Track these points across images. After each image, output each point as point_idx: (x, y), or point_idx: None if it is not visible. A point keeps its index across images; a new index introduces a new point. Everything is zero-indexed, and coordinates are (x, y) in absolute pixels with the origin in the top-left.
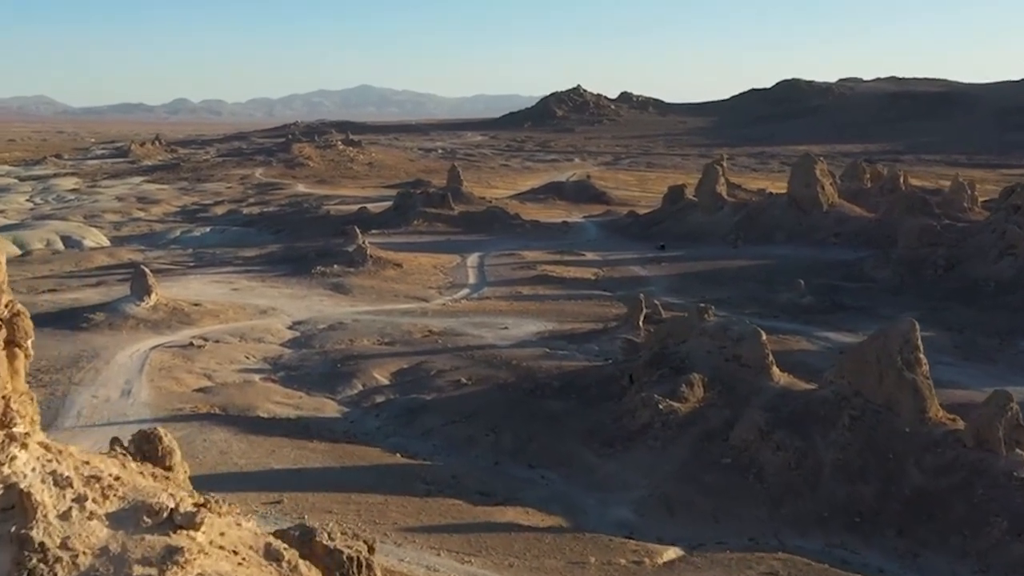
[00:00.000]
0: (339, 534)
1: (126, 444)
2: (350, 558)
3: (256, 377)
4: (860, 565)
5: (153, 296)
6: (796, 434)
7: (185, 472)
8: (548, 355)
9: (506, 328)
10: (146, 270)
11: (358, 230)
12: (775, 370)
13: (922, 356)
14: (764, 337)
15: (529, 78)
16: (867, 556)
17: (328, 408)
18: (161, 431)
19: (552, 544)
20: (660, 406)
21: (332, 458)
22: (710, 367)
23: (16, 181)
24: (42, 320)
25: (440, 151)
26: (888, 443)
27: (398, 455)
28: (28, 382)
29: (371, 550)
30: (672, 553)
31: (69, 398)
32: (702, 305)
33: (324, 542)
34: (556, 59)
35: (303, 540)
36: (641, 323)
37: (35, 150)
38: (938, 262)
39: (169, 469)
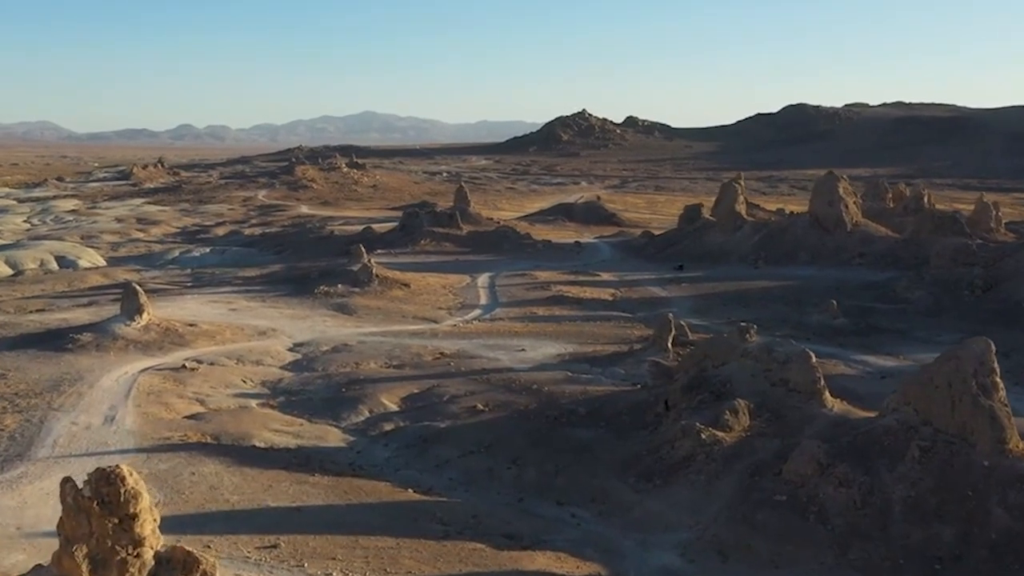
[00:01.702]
0: None
1: (81, 486)
2: None
3: (253, 402)
4: None
5: (145, 316)
6: (859, 468)
7: (154, 521)
8: (571, 379)
9: (523, 350)
10: (137, 288)
11: (363, 249)
12: (827, 396)
13: (999, 380)
14: (814, 359)
15: (533, 104)
16: None
17: (331, 437)
18: (124, 471)
19: None
20: (703, 435)
21: (336, 494)
22: (755, 392)
23: (15, 203)
24: (26, 341)
25: (445, 174)
26: (965, 478)
27: (410, 490)
28: (3, 408)
29: None
30: None
31: (46, 425)
32: (743, 324)
33: None
34: (560, 84)
35: None
36: (670, 345)
37: (38, 173)
38: (975, 282)
39: (132, 518)
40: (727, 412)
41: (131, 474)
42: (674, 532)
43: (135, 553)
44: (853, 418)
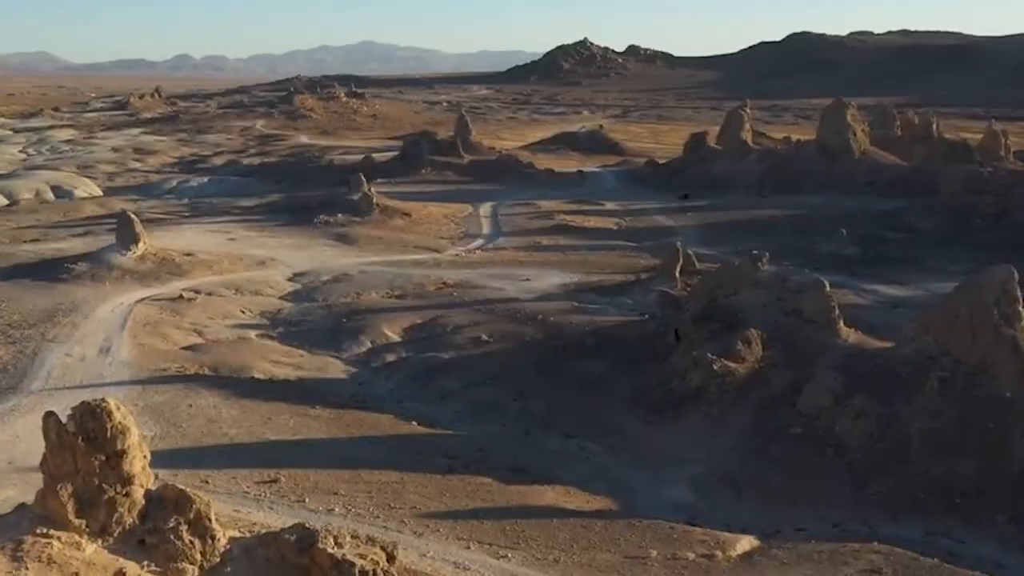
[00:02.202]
0: (348, 538)
1: (65, 420)
2: (364, 572)
3: (252, 333)
4: (973, 558)
5: (141, 245)
6: (876, 399)
7: (144, 458)
8: (577, 309)
9: (528, 280)
10: (133, 217)
11: (363, 178)
12: (842, 325)
13: (1021, 309)
14: (828, 288)
15: (534, 34)
16: (977, 547)
17: (333, 368)
18: (111, 404)
19: (603, 533)
20: (715, 367)
21: (337, 427)
22: (767, 322)
23: (11, 133)
24: (20, 271)
25: (445, 104)
26: (987, 410)
27: (414, 423)
28: None
29: (391, 559)
30: (747, 543)
31: (40, 356)
32: (755, 253)
33: (330, 550)
34: (561, 13)
35: (302, 548)
36: (678, 274)
37: (34, 104)
38: (987, 210)
39: (120, 455)
40: (739, 342)
41: (118, 408)
42: (686, 466)
43: (124, 492)
44: (869, 348)
